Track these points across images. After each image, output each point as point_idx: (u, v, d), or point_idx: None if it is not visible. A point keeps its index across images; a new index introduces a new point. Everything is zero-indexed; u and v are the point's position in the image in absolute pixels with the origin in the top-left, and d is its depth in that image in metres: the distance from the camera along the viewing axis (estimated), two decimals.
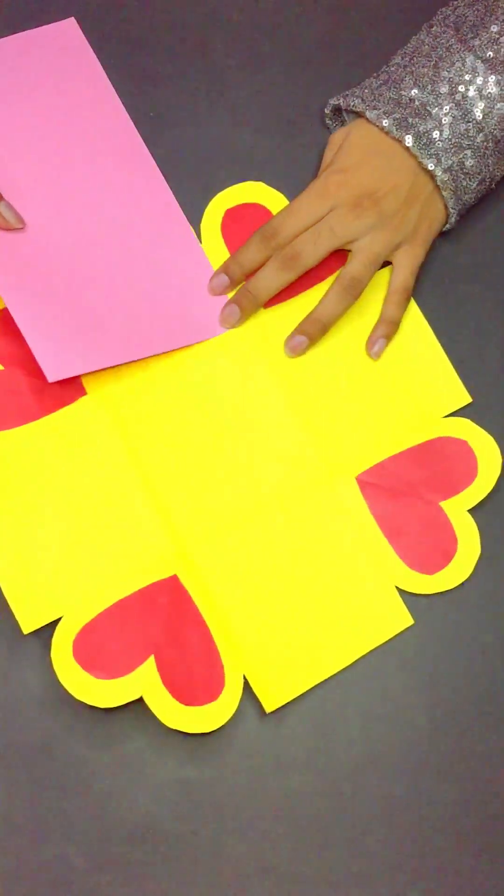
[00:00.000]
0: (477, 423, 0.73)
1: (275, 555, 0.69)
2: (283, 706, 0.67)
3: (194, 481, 0.70)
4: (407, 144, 0.71)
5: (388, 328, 0.73)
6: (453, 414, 0.73)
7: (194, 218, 0.75)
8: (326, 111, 0.77)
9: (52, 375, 0.67)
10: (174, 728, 0.65)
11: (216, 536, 0.69)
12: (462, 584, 0.70)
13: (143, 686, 0.65)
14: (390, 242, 0.72)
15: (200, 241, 0.75)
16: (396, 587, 0.70)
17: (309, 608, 0.68)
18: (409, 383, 0.74)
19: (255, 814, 0.65)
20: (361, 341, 0.74)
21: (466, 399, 0.74)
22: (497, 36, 0.72)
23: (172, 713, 0.65)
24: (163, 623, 0.67)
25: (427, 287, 0.76)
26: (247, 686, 0.67)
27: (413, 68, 0.73)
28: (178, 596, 0.68)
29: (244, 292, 0.73)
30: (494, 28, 0.72)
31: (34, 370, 0.70)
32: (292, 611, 0.68)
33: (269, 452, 0.71)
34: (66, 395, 0.70)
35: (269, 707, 0.66)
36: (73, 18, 0.78)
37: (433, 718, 0.68)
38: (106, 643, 0.66)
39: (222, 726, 0.65)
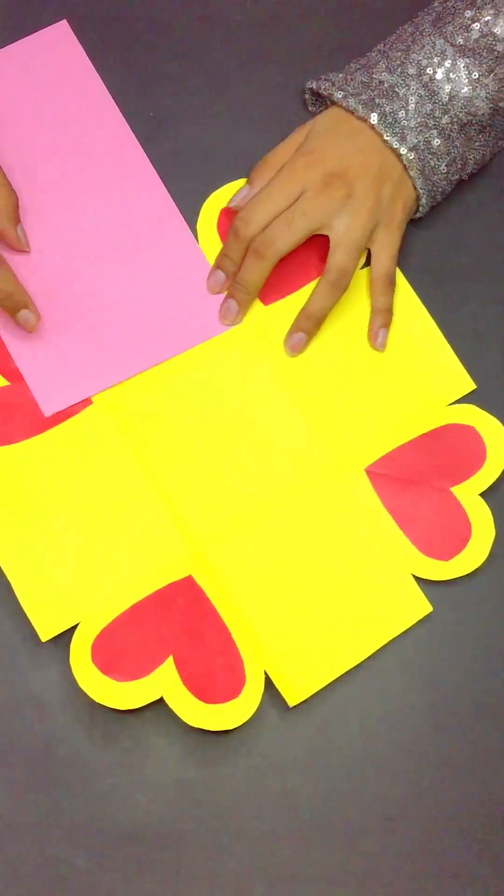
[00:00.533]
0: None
1: (289, 550, 0.69)
2: (282, 705, 0.67)
3: (204, 481, 0.70)
4: (372, 122, 0.71)
5: (383, 317, 0.73)
6: (458, 401, 0.74)
7: (193, 218, 0.75)
8: (306, 96, 0.77)
9: (48, 410, 0.70)
10: (197, 727, 0.65)
11: (229, 535, 0.69)
12: (460, 578, 0.70)
13: (163, 686, 0.65)
14: (366, 228, 0.72)
15: (197, 241, 0.75)
16: (413, 575, 0.70)
17: (326, 601, 0.68)
18: (413, 373, 0.74)
19: (255, 814, 0.65)
20: (361, 335, 0.74)
21: (470, 386, 0.74)
22: (469, 22, 0.71)
23: (194, 712, 0.65)
24: (180, 623, 0.67)
25: (427, 284, 0.76)
26: None
27: (388, 53, 0.73)
28: (194, 596, 0.68)
29: (235, 285, 0.73)
30: (468, 13, 0.72)
31: None
32: (310, 605, 0.68)
33: (277, 449, 0.71)
34: (73, 406, 0.71)
35: (292, 701, 0.66)
36: (65, 21, 0.78)
37: (433, 718, 0.68)
38: (124, 646, 0.66)
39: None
